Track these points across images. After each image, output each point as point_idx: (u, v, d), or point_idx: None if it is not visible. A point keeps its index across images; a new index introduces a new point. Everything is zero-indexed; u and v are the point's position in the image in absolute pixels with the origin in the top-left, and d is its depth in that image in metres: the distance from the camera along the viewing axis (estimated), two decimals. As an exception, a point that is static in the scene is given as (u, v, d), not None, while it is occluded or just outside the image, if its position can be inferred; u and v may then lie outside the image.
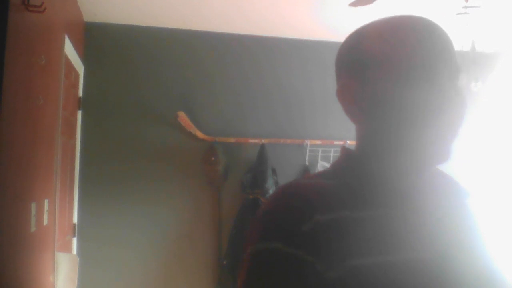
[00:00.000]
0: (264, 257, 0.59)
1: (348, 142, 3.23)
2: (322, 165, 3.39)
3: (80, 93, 3.11)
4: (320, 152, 3.45)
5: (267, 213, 0.63)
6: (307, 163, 3.44)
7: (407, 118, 0.64)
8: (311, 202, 0.62)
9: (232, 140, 3.36)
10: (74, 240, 3.03)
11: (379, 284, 0.57)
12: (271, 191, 3.15)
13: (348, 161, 0.72)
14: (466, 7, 2.44)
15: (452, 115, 0.65)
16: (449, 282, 0.61)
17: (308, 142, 3.43)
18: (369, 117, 0.69)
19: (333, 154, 3.43)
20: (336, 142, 3.41)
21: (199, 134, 3.30)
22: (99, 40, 3.23)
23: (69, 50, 2.54)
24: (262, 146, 3.31)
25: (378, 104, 0.67)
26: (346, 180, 0.67)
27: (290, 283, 0.57)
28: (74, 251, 3.01)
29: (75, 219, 3.04)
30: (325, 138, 3.45)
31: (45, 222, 2.01)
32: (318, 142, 3.45)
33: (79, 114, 3.11)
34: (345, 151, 0.74)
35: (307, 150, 3.45)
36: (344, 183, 0.66)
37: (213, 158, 3.25)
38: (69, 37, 2.48)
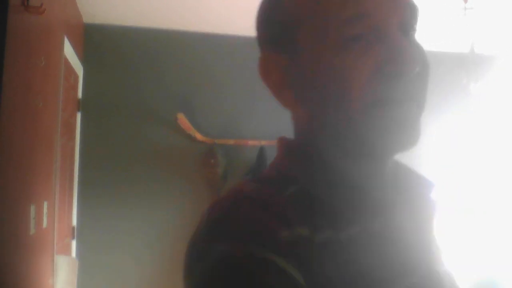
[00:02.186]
0: (235, 263, 0.43)
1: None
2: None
3: (80, 95, 3.10)
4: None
5: (229, 215, 0.49)
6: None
7: (364, 97, 0.49)
8: (286, 212, 0.48)
9: (231, 142, 3.36)
10: (73, 243, 3.02)
11: None
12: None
13: (298, 160, 0.56)
14: (465, 8, 2.44)
15: (414, 79, 0.49)
16: None
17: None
18: (306, 100, 0.54)
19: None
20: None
21: (199, 136, 3.29)
22: (98, 42, 3.22)
23: (69, 51, 2.54)
24: (262, 148, 3.31)
25: (316, 82, 0.51)
26: (306, 187, 0.52)
27: None
28: (73, 254, 3.00)
29: (74, 222, 3.03)
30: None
31: (45, 224, 2.00)
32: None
33: (79, 116, 3.10)
34: (289, 145, 0.59)
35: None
36: (305, 192, 0.51)
37: (212, 161, 3.24)
38: (68, 39, 2.48)
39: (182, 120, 3.23)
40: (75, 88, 2.97)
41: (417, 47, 0.51)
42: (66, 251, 2.76)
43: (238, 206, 0.49)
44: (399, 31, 0.50)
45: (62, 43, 2.35)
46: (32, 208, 1.77)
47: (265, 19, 0.58)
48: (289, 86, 0.55)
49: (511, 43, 3.52)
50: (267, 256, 0.43)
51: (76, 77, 2.97)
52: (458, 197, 3.54)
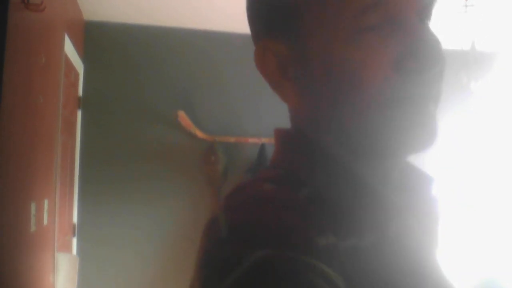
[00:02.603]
0: (278, 268, 0.38)
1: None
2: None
3: (80, 92, 3.10)
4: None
5: (254, 217, 0.43)
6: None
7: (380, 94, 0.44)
8: (309, 217, 0.44)
9: (232, 139, 3.36)
10: (74, 240, 3.02)
11: None
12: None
13: (301, 159, 0.51)
14: (466, 6, 2.44)
15: (433, 76, 0.45)
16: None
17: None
18: (309, 94, 0.49)
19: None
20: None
21: (199, 134, 3.29)
22: (99, 39, 3.22)
23: (69, 49, 2.53)
24: (262, 146, 3.31)
25: (324, 75, 0.46)
26: (316, 189, 0.47)
27: None
28: (74, 251, 3.01)
29: (75, 219, 3.03)
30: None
31: (45, 222, 2.00)
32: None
33: (79, 113, 3.10)
34: (287, 141, 0.54)
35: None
36: (317, 195, 0.47)
37: (213, 158, 3.25)
38: (69, 36, 2.48)
39: (183, 117, 3.24)
40: (75, 85, 2.97)
41: (436, 39, 0.45)
42: (67, 248, 2.77)
43: (264, 210, 0.44)
44: (419, 22, 0.45)
45: (62, 41, 2.35)
46: (33, 206, 1.77)
47: (264, 2, 0.51)
48: (290, 77, 0.50)
49: (511, 40, 3.52)
50: (310, 261, 0.39)
51: (77, 74, 2.97)
52: (459, 195, 3.54)
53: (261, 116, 3.45)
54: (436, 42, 0.45)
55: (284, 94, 0.51)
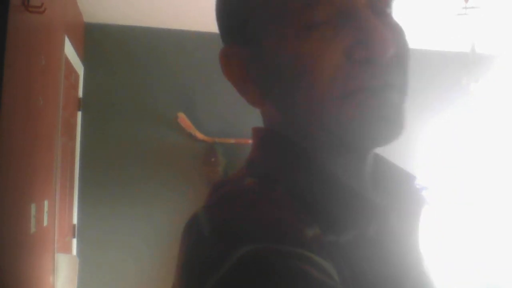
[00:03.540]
0: (271, 261, 0.37)
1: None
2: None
3: (80, 94, 3.11)
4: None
5: (241, 213, 0.42)
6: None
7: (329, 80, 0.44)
8: (295, 211, 0.43)
9: (232, 141, 3.36)
10: (74, 241, 3.02)
11: None
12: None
13: (279, 155, 0.50)
14: (466, 8, 2.44)
15: (391, 64, 0.44)
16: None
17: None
18: (271, 94, 0.50)
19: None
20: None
21: (199, 135, 3.30)
22: (99, 41, 3.23)
23: (69, 50, 2.54)
24: (262, 147, 3.31)
25: (280, 74, 0.47)
26: (291, 188, 0.46)
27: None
28: (74, 252, 3.01)
29: (75, 220, 3.03)
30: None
31: (45, 223, 2.00)
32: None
33: (79, 115, 3.10)
34: (263, 142, 0.54)
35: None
36: (293, 194, 0.46)
37: (213, 159, 3.25)
38: (69, 38, 2.48)
39: (183, 119, 3.24)
40: (75, 87, 2.97)
41: (393, 27, 0.46)
42: (67, 249, 2.77)
43: (247, 204, 0.43)
44: (371, 12, 0.44)
45: (62, 43, 2.36)
46: (33, 207, 1.77)
47: (222, 8, 0.52)
48: (253, 80, 0.51)
49: (511, 42, 3.52)
50: (299, 251, 0.38)
51: (77, 76, 2.98)
52: (457, 196, 3.54)
53: (261, 118, 3.44)
54: (392, 28, 0.45)
55: (250, 97, 0.52)
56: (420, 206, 0.52)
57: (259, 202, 0.43)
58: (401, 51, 0.45)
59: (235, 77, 0.52)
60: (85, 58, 3.16)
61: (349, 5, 0.44)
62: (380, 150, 0.51)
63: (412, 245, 0.50)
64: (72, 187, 2.94)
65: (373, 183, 0.52)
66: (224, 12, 0.52)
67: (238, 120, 3.42)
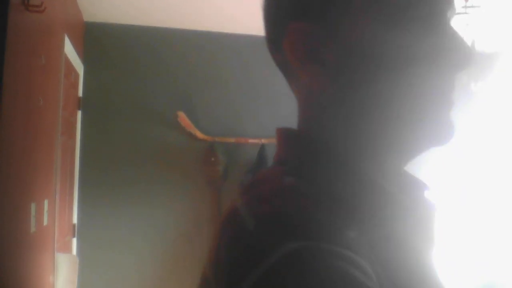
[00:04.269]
0: (306, 255, 0.38)
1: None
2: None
3: (80, 93, 3.10)
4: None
5: (282, 209, 0.43)
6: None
7: (405, 78, 0.44)
8: (333, 209, 0.44)
9: (232, 140, 3.36)
10: (74, 241, 3.02)
11: None
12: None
13: (310, 156, 0.50)
14: (466, 6, 2.44)
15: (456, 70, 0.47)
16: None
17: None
18: (337, 79, 0.47)
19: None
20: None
21: (199, 134, 3.30)
22: (99, 40, 3.22)
23: (69, 50, 2.54)
24: (262, 147, 3.31)
25: (356, 59, 0.45)
26: (331, 188, 0.47)
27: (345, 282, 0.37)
28: (74, 251, 3.01)
29: (75, 220, 3.03)
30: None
31: (45, 222, 2.00)
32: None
33: (79, 114, 3.10)
34: (295, 139, 0.54)
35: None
36: (333, 193, 0.46)
37: (213, 159, 3.25)
38: (69, 37, 2.48)
39: (183, 118, 3.24)
40: (75, 86, 2.97)
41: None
42: (67, 249, 2.77)
43: (290, 201, 0.44)
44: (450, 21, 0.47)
45: (62, 42, 2.35)
46: (33, 206, 1.77)
47: None
48: (319, 59, 0.47)
49: (511, 41, 3.52)
50: (340, 250, 0.38)
51: (77, 75, 2.98)
52: (459, 196, 3.54)
53: (261, 117, 3.45)
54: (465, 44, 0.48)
55: (310, 77, 0.49)
56: (432, 212, 0.53)
57: (302, 200, 0.44)
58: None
59: (300, 54, 0.48)
60: (85, 58, 3.16)
61: (439, 11, 0.47)
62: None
63: (429, 248, 0.51)
64: (72, 187, 2.94)
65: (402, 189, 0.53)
66: None
67: (238, 120, 3.42)
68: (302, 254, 0.37)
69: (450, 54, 0.45)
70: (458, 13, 2.49)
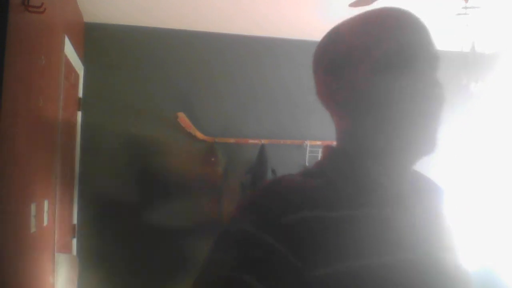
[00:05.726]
0: (230, 236, 0.58)
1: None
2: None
3: (80, 94, 3.11)
4: (320, 152, 3.45)
5: (251, 200, 0.62)
6: (307, 164, 3.44)
7: (386, 108, 0.62)
8: (299, 198, 0.60)
9: (232, 140, 3.36)
10: (74, 241, 3.02)
11: (365, 286, 0.56)
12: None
13: (332, 160, 0.70)
14: (466, 7, 2.44)
15: (433, 103, 0.62)
16: (432, 283, 0.61)
17: (308, 142, 3.43)
18: (347, 111, 0.68)
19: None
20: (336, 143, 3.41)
21: (199, 135, 3.30)
22: (99, 41, 3.23)
23: (69, 50, 2.54)
24: (262, 147, 3.31)
25: (354, 97, 0.65)
26: (333, 179, 0.65)
27: (249, 263, 0.54)
28: (74, 252, 3.01)
29: (75, 220, 3.03)
30: (325, 139, 3.45)
31: (45, 223, 2.00)
32: (318, 142, 3.45)
33: (79, 115, 3.10)
34: (329, 149, 0.72)
35: (307, 151, 3.45)
36: (331, 182, 0.64)
37: (213, 159, 3.25)
38: (69, 38, 2.48)
39: (183, 118, 3.24)
40: (75, 87, 2.97)
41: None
42: (67, 249, 2.77)
43: (262, 195, 0.62)
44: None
45: (62, 42, 2.36)
46: (33, 207, 1.77)
47: (322, 52, 0.72)
48: (334, 99, 0.69)
49: (511, 42, 3.52)
50: (259, 235, 0.56)
51: (77, 76, 2.98)
52: (459, 196, 3.54)
53: (261, 117, 3.45)
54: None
55: (333, 114, 0.72)
56: (438, 196, 0.74)
57: (306, 183, 0.64)
58: None
59: (324, 97, 0.71)
60: (85, 58, 3.16)
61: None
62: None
63: (430, 232, 0.66)
64: (72, 187, 2.94)
65: (411, 184, 0.69)
66: (325, 56, 0.71)
67: (238, 120, 3.42)
68: (227, 234, 0.59)
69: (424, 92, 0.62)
70: (458, 14, 2.49)
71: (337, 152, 0.70)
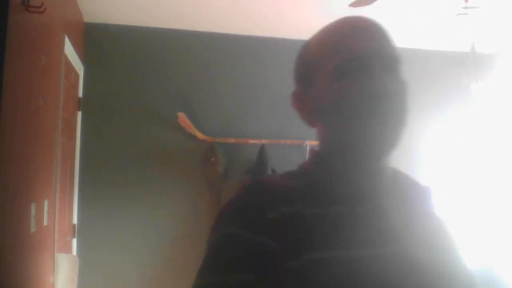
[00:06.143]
0: (221, 241, 0.65)
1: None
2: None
3: (80, 94, 3.11)
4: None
5: (231, 204, 0.68)
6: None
7: (347, 111, 0.67)
8: (278, 196, 0.66)
9: (232, 140, 3.36)
10: (74, 241, 3.02)
11: (337, 277, 0.60)
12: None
13: (313, 161, 0.76)
14: (466, 7, 2.44)
15: (390, 101, 0.66)
16: (407, 277, 0.62)
17: (307, 142, 3.43)
18: (317, 118, 0.74)
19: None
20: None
21: (199, 135, 3.30)
22: (99, 41, 3.23)
23: (69, 50, 2.54)
24: (262, 147, 3.31)
25: (321, 104, 0.72)
26: (312, 178, 0.71)
27: (244, 264, 0.60)
28: (74, 252, 3.01)
29: (75, 220, 3.03)
30: (325, 139, 3.45)
31: (45, 222, 2.00)
32: (318, 142, 3.45)
33: (79, 115, 3.10)
34: (312, 151, 0.79)
35: (307, 151, 3.45)
36: (310, 181, 0.70)
37: (213, 159, 3.25)
38: (69, 38, 2.48)
39: (183, 118, 3.24)
40: (75, 87, 2.97)
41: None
42: (67, 249, 2.77)
43: (243, 195, 0.68)
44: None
45: (62, 42, 2.36)
46: (33, 206, 1.77)
47: (295, 66, 0.79)
48: (306, 109, 0.76)
49: (511, 42, 3.52)
50: (247, 235, 0.62)
51: (77, 76, 2.98)
52: (457, 196, 3.54)
53: (261, 117, 3.45)
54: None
55: (308, 122, 0.77)
56: (418, 194, 0.76)
57: (251, 194, 0.68)
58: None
59: (297, 107, 0.78)
60: (85, 58, 3.16)
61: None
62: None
63: (406, 228, 0.68)
64: (72, 187, 2.94)
65: (392, 184, 0.73)
66: (296, 68, 0.79)
67: (238, 120, 3.42)
68: (218, 240, 0.67)
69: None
70: (458, 14, 2.49)
71: (316, 154, 0.77)
